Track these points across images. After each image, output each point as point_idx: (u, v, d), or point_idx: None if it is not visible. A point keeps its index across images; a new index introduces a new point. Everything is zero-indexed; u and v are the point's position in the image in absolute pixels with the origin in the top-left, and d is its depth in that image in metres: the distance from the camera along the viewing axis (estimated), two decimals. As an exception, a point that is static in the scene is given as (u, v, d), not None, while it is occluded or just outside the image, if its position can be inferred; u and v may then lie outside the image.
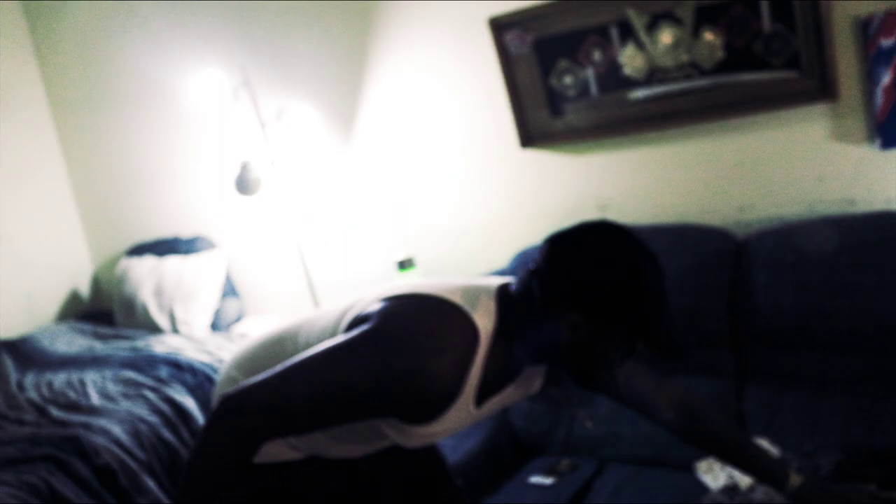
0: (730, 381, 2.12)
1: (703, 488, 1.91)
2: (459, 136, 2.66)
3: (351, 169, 2.77)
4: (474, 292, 1.31)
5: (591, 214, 2.50)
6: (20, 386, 2.53)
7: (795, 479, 1.45)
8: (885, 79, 2.06)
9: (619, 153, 2.46)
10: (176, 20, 2.90)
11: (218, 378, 1.54)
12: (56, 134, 3.40)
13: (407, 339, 1.23)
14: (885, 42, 2.03)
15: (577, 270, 1.25)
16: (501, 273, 2.44)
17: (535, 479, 2.09)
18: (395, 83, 2.70)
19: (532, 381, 1.45)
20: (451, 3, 2.53)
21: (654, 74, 2.32)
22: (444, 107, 2.66)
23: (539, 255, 1.29)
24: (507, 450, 2.26)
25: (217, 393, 1.49)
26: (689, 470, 2.00)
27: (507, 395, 1.41)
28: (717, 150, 2.34)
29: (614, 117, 2.41)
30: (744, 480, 1.86)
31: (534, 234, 2.54)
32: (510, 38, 2.43)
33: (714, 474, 1.97)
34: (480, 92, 2.57)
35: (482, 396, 1.33)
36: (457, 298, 1.29)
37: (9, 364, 2.68)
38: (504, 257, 2.49)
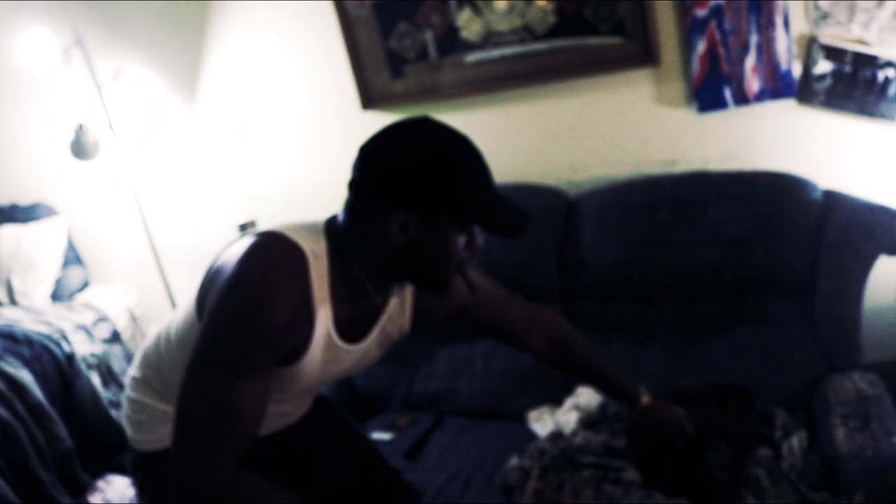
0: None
1: (532, 436, 2.02)
2: (301, 99, 2.63)
3: (194, 132, 2.70)
4: (299, 225, 1.31)
5: (433, 176, 2.54)
6: None
7: (645, 398, 1.66)
8: (700, 47, 2.18)
9: (458, 114, 2.49)
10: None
11: (128, 376, 1.49)
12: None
13: (240, 278, 1.20)
14: (700, 12, 2.15)
15: (388, 165, 1.22)
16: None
17: (375, 435, 2.14)
18: (237, 45, 2.64)
19: (404, 309, 1.44)
20: (290, -38, 2.49)
21: (490, 38, 2.37)
22: (286, 69, 2.62)
23: (353, 166, 1.28)
24: (347, 408, 2.28)
25: (126, 394, 1.47)
26: (522, 420, 2.11)
27: (383, 329, 1.41)
28: (550, 112, 2.42)
29: (452, 80, 2.45)
30: (568, 426, 1.97)
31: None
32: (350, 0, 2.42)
33: (543, 423, 2.08)
34: (322, 54, 2.55)
35: (347, 330, 1.32)
36: (279, 230, 1.28)
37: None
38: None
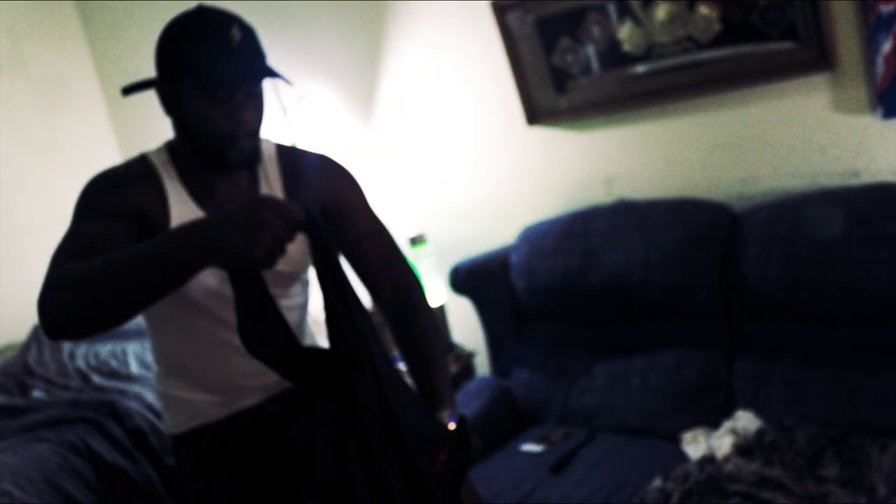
0: (720, 353, 2.14)
1: (683, 458, 1.96)
2: (469, 116, 2.72)
3: (369, 150, 2.87)
4: None
5: (597, 189, 2.54)
6: (71, 355, 2.77)
7: (444, 419, 1.32)
8: (886, 46, 2.01)
9: (623, 128, 2.48)
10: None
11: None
12: (110, 121, 3.64)
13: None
14: (886, 8, 1.98)
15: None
16: (508, 249, 2.51)
17: (527, 447, 2.17)
18: (409, 65, 2.78)
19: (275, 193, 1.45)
20: (455, -15, 2.60)
21: (652, 50, 2.33)
22: (454, 87, 2.72)
23: None
24: (504, 419, 2.34)
25: None
26: (676, 441, 2.05)
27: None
28: (717, 123, 2.33)
29: (616, 93, 2.43)
30: (721, 450, 1.90)
31: (541, 209, 2.59)
32: (512, 18, 2.48)
33: (697, 445, 2.01)
34: (487, 72, 2.62)
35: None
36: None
37: (64, 335, 2.94)
38: (512, 232, 2.55)
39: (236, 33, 1.27)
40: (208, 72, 1.28)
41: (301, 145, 1.56)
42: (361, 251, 1.48)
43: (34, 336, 2.95)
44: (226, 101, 1.29)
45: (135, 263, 1.06)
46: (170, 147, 1.43)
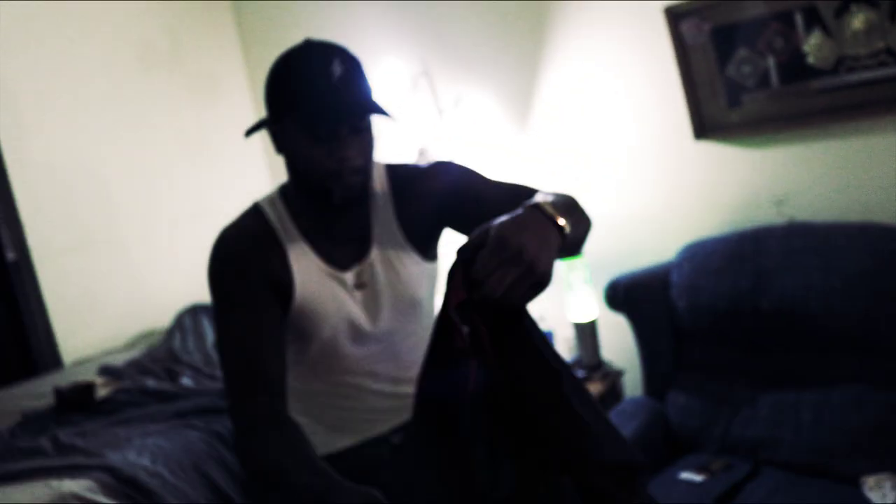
0: (908, 394, 1.97)
1: (864, 504, 1.81)
2: (631, 127, 2.62)
3: (525, 155, 2.80)
4: None
5: (765, 209, 2.40)
6: (214, 346, 2.82)
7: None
8: None
9: (801, 147, 2.33)
10: (365, 14, 3.07)
11: None
12: (255, 116, 3.71)
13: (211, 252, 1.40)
14: None
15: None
16: (669, 266, 2.39)
17: (685, 476, 2.05)
18: (569, 72, 2.71)
19: (391, 226, 1.43)
20: (627, -9, 2.51)
21: (841, 63, 2.18)
22: (617, 96, 2.63)
23: None
24: (660, 444, 2.22)
25: None
26: (854, 484, 1.90)
27: (383, 251, 1.41)
28: (911, 144, 2.17)
29: (796, 109, 2.29)
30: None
31: (703, 227, 2.48)
32: (687, 27, 2.38)
33: (882, 492, 1.85)
34: (653, 82, 2.52)
35: (341, 259, 1.38)
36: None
37: (207, 325, 2.98)
38: (670, 249, 2.44)
39: (337, 68, 1.24)
40: (308, 109, 1.26)
41: (445, 154, 1.52)
42: (486, 204, 1.33)
43: (178, 323, 3.02)
44: (328, 138, 1.27)
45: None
46: (283, 190, 1.43)
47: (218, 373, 2.62)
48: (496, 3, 2.79)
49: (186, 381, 2.56)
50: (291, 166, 1.36)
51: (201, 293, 3.37)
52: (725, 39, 2.34)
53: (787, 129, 2.33)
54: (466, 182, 1.42)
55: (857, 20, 2.12)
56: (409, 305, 1.46)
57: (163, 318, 3.19)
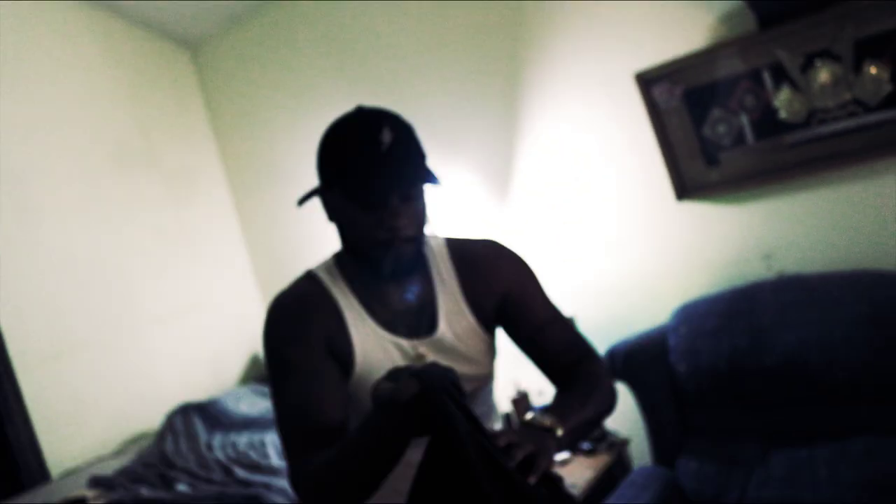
0: (918, 442, 1.94)
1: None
2: (613, 192, 2.64)
3: (508, 228, 2.81)
4: None
5: (754, 264, 2.41)
6: (209, 446, 2.73)
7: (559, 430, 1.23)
8: None
9: (782, 200, 2.36)
10: (336, 98, 3.10)
11: None
12: (235, 213, 3.69)
13: (267, 315, 1.37)
14: None
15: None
16: (664, 329, 2.38)
17: (708, 546, 1.99)
18: (546, 142, 2.73)
19: (457, 301, 1.39)
20: (597, 60, 2.55)
21: (813, 116, 2.23)
22: (596, 163, 2.66)
23: None
24: (675, 513, 2.17)
25: None
26: (881, 538, 1.85)
27: (449, 323, 1.37)
28: (890, 189, 2.19)
29: (773, 163, 2.32)
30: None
31: (696, 287, 2.47)
32: (658, 91, 2.42)
33: (910, 544, 1.80)
34: (631, 147, 2.55)
35: (402, 327, 1.34)
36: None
37: (199, 425, 2.90)
38: (665, 312, 2.43)
39: (386, 136, 1.22)
40: (357, 179, 1.23)
41: (469, 236, 1.49)
42: (543, 339, 1.40)
43: (168, 425, 2.93)
44: (378, 207, 1.24)
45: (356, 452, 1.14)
46: (338, 258, 1.40)
47: (215, 476, 2.53)
48: (469, 77, 2.83)
49: (182, 487, 2.47)
50: (343, 235, 1.34)
51: (190, 392, 3.32)
52: (698, 101, 2.38)
53: (766, 184, 2.36)
54: (533, 298, 1.42)
55: (823, 74, 2.17)
56: (475, 381, 1.41)
57: (152, 420, 3.10)
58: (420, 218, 1.29)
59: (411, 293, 1.37)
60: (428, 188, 1.30)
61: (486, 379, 1.45)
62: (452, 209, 2.86)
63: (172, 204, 3.49)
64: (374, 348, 1.33)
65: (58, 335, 2.99)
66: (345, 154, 1.25)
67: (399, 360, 1.35)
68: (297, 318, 1.32)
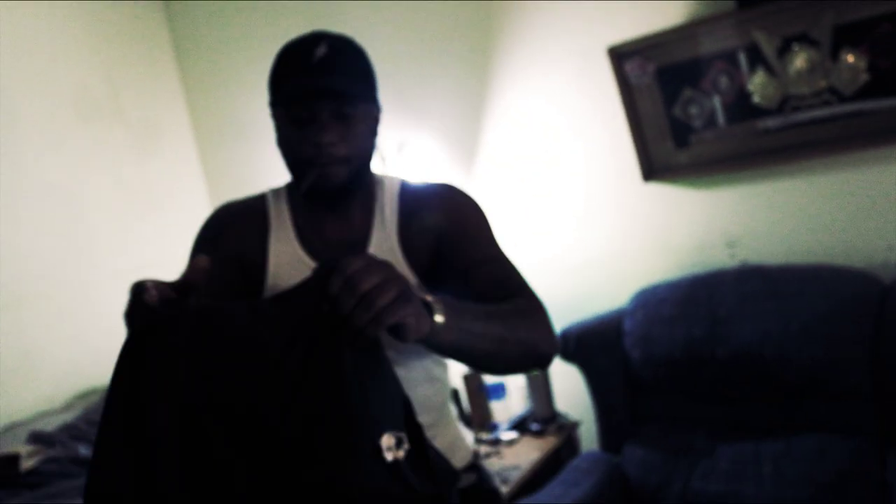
0: (871, 441, 1.90)
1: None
2: (579, 168, 2.56)
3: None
4: None
5: (717, 251, 2.35)
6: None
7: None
8: None
9: (750, 187, 2.29)
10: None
11: None
12: (201, 168, 3.60)
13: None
14: None
15: None
16: (621, 313, 2.32)
17: (646, 537, 1.96)
18: (514, 115, 2.65)
19: (391, 241, 1.30)
20: (570, 32, 2.46)
21: (787, 102, 2.15)
22: (564, 138, 2.57)
23: None
24: (619, 500, 2.13)
25: None
26: (819, 539, 1.81)
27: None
28: (860, 183, 2.13)
29: (744, 148, 2.25)
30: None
31: (656, 271, 2.41)
32: (630, 67, 2.33)
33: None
34: (601, 123, 2.47)
35: (315, 251, 1.27)
36: None
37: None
38: (624, 295, 2.36)
39: (321, 50, 1.18)
40: (285, 90, 1.21)
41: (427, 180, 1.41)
42: (474, 277, 1.24)
43: (117, 383, 2.87)
44: (307, 121, 1.19)
45: None
46: (289, 184, 1.35)
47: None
48: (438, 45, 2.74)
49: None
50: (283, 156, 1.28)
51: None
52: (671, 79, 2.30)
53: (736, 170, 2.29)
54: (470, 237, 1.28)
55: (800, 59, 2.09)
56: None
57: (104, 376, 3.02)
58: (356, 141, 1.21)
59: (346, 226, 1.30)
60: (369, 115, 1.24)
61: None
62: (415, 177, 2.78)
63: (136, 156, 3.39)
64: (289, 270, 1.27)
65: (9, 285, 2.92)
66: (278, 66, 1.23)
67: None
68: (219, 223, 1.32)
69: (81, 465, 2.30)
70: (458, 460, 1.33)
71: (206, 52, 3.45)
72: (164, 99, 3.54)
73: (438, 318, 0.93)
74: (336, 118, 1.19)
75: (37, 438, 2.51)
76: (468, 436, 2.50)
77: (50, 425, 2.65)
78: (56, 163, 3.08)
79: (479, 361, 1.11)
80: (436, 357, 1.35)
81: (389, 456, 0.85)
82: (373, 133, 1.26)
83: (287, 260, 1.27)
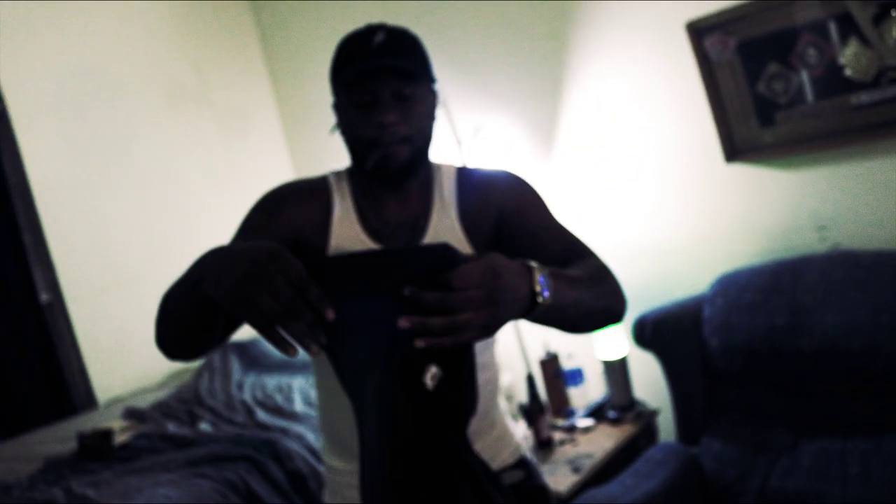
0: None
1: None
2: (658, 150, 2.47)
3: (549, 183, 2.68)
4: None
5: (806, 235, 2.22)
6: (240, 386, 2.76)
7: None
8: None
9: (842, 166, 2.15)
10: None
11: None
12: (288, 153, 3.69)
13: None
14: None
15: None
16: (701, 299, 2.23)
17: (719, 534, 1.88)
18: (591, 96, 2.57)
19: (451, 221, 1.31)
20: (646, 8, 2.36)
21: (883, 74, 1.99)
22: (641, 119, 2.48)
23: None
24: (693, 494, 2.06)
25: None
26: (908, 545, 1.70)
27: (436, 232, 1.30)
28: (965, 161, 1.96)
29: (835, 126, 2.11)
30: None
31: (739, 256, 2.30)
32: (711, 42, 2.22)
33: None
34: (680, 103, 2.37)
35: (381, 240, 1.29)
36: None
37: (235, 364, 2.95)
38: (704, 280, 2.27)
39: (380, 37, 1.23)
40: (346, 74, 1.24)
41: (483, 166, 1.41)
42: (543, 242, 1.27)
43: (207, 362, 2.99)
44: (369, 104, 1.22)
45: (175, 287, 1.12)
46: (350, 167, 1.37)
47: (238, 417, 2.56)
48: (514, 28, 2.68)
49: (205, 426, 2.51)
50: (346, 142, 1.31)
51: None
52: (753, 54, 2.17)
53: (826, 148, 2.15)
54: (531, 209, 1.32)
55: (898, 28, 1.93)
56: None
57: (195, 355, 3.17)
58: (417, 121, 1.25)
59: (408, 210, 1.32)
60: (428, 96, 1.27)
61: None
62: (494, 162, 2.75)
63: (224, 143, 3.51)
64: (351, 249, 1.29)
65: (108, 269, 3.07)
66: (339, 55, 1.27)
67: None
68: (279, 200, 1.32)
69: (169, 442, 2.41)
70: (507, 457, 1.32)
71: (291, 38, 3.52)
72: (250, 86, 3.64)
73: (543, 299, 0.96)
74: (397, 98, 1.22)
75: (131, 414, 2.65)
76: (518, 430, 2.47)
77: (145, 402, 2.80)
78: (148, 150, 3.21)
79: (567, 326, 1.12)
80: (487, 342, 1.36)
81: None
82: (431, 115, 1.29)
83: (348, 240, 1.29)
